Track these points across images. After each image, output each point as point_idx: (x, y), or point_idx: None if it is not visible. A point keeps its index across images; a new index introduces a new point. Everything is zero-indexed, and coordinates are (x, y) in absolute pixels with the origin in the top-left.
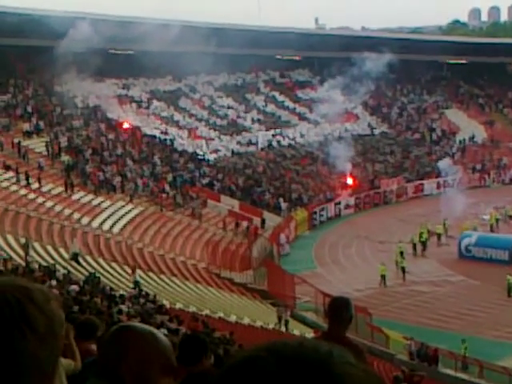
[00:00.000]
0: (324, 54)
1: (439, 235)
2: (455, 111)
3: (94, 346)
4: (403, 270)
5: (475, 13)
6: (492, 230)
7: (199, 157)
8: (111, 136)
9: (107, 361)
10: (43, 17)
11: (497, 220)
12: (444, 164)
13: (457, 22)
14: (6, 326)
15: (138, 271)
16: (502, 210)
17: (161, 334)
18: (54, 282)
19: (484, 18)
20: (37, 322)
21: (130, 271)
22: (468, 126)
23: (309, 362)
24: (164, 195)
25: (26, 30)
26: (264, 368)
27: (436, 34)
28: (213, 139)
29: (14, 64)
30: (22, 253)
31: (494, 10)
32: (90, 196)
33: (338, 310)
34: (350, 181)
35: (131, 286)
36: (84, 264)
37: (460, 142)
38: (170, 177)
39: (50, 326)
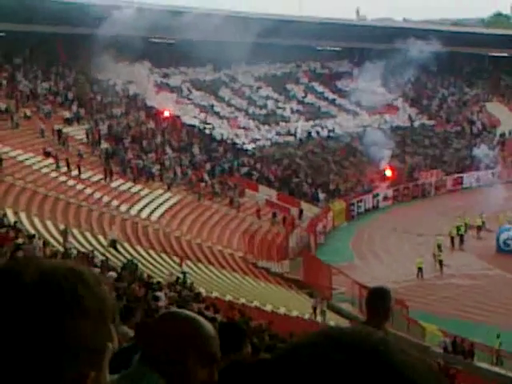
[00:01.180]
0: (365, 45)
1: (478, 228)
2: (496, 104)
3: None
4: (440, 263)
5: None
6: None
7: (238, 146)
8: (151, 124)
9: (146, 347)
10: (87, 5)
11: None
12: (480, 151)
13: (499, 14)
14: (57, 309)
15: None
16: None
17: (207, 322)
18: (93, 269)
19: None
20: (88, 306)
21: (178, 261)
22: (508, 119)
23: (365, 350)
24: (202, 184)
25: (70, 17)
26: (323, 355)
27: (478, 27)
28: (252, 129)
29: (57, 51)
30: (60, 239)
31: None
32: (129, 184)
33: (377, 300)
34: (388, 172)
35: (178, 276)
36: (122, 251)
37: (500, 135)
38: (208, 166)
39: (100, 310)
